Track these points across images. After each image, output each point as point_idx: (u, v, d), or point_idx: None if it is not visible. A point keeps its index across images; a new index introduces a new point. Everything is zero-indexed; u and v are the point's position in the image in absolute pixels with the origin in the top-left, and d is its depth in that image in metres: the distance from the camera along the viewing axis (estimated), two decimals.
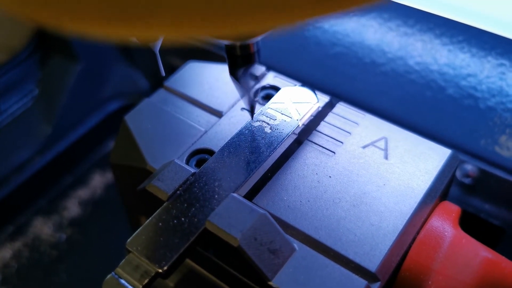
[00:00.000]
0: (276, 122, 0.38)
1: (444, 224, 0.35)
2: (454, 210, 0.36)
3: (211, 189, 0.34)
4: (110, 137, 0.66)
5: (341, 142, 0.38)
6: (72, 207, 0.61)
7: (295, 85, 0.42)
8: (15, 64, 0.56)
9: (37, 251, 0.57)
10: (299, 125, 0.38)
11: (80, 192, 0.62)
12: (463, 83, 0.46)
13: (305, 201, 0.35)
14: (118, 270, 0.32)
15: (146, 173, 0.38)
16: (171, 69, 0.45)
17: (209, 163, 0.36)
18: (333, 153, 0.38)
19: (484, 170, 0.43)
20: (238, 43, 0.32)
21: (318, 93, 0.40)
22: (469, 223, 0.44)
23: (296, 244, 0.33)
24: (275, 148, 0.36)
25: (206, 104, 0.42)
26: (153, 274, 0.31)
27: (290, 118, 0.38)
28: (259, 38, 0.32)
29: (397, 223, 0.34)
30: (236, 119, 0.40)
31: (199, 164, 0.38)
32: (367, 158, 0.37)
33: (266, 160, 0.36)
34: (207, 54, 0.54)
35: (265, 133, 0.37)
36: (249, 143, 0.37)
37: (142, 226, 0.33)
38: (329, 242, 0.33)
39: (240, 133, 0.37)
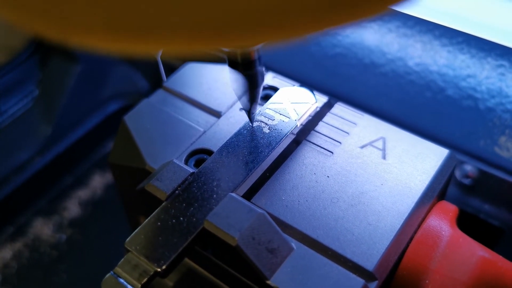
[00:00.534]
0: (274, 122, 0.38)
1: (441, 223, 0.35)
2: (451, 209, 0.36)
3: (210, 188, 0.35)
4: (110, 137, 0.66)
5: (339, 142, 0.38)
6: (72, 208, 0.61)
7: (294, 85, 0.42)
8: (16, 65, 0.57)
9: (37, 251, 0.57)
10: (297, 125, 0.38)
11: (80, 192, 0.62)
12: (463, 84, 0.46)
13: (303, 201, 0.35)
14: (117, 269, 0.32)
15: (145, 173, 0.38)
16: (171, 70, 0.45)
17: (208, 163, 0.36)
18: (331, 153, 0.38)
19: (483, 171, 0.43)
20: (239, 51, 0.33)
21: (316, 93, 0.40)
22: (469, 224, 0.44)
23: (294, 244, 0.33)
24: (273, 148, 0.36)
25: (205, 105, 0.42)
26: (151, 273, 0.32)
27: (289, 119, 0.38)
28: (259, 46, 0.32)
29: (395, 223, 0.34)
30: (235, 119, 0.40)
31: (198, 164, 0.38)
32: (365, 158, 0.37)
33: (264, 160, 0.36)
34: (206, 55, 0.54)
35: (264, 133, 0.37)
36: (248, 143, 0.37)
37: (141, 225, 0.33)
38: (327, 242, 0.33)
39: (238, 133, 0.38)
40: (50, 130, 0.60)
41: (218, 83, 0.43)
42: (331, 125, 0.39)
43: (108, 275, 0.32)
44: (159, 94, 0.43)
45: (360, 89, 0.48)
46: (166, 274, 0.32)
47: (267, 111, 0.39)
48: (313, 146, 0.38)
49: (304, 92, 0.40)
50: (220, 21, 0.16)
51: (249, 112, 0.37)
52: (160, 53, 0.36)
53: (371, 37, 0.51)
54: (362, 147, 0.38)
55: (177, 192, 0.35)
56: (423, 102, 0.47)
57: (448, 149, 0.38)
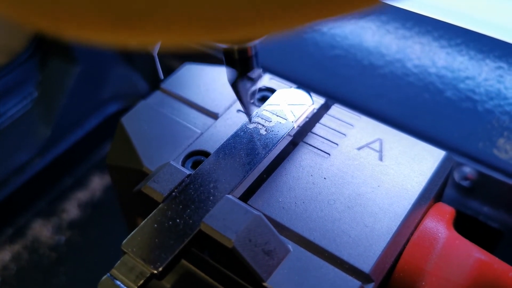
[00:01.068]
0: (271, 124, 0.38)
1: (438, 225, 0.35)
2: (448, 211, 0.36)
3: (206, 190, 0.35)
4: (109, 139, 0.66)
5: (336, 144, 0.38)
6: (72, 209, 0.61)
7: (291, 87, 0.42)
8: (15, 67, 0.57)
9: (36, 253, 0.57)
10: (294, 127, 0.38)
11: (80, 194, 0.62)
12: (461, 85, 0.46)
13: (300, 203, 0.35)
14: (114, 271, 0.32)
15: (142, 175, 0.38)
16: (168, 71, 0.45)
17: (205, 165, 0.36)
18: (328, 155, 0.38)
19: (482, 173, 0.43)
20: (235, 47, 0.32)
21: (313, 95, 0.40)
22: (468, 226, 0.44)
23: (291, 245, 0.33)
24: (270, 150, 0.36)
25: (202, 106, 0.42)
26: (148, 275, 0.32)
27: (285, 120, 0.38)
28: (257, 42, 0.32)
29: (391, 225, 0.34)
30: (232, 121, 0.40)
31: (195, 165, 0.38)
32: (361, 160, 0.37)
33: (261, 161, 0.36)
34: (204, 56, 0.54)
35: (260, 135, 0.37)
36: (245, 145, 0.37)
37: (138, 227, 0.34)
38: (323, 243, 0.33)
39: (235, 135, 0.38)
40: (49, 132, 0.60)
41: (215, 84, 0.43)
42: (328, 127, 0.39)
43: (104, 277, 0.32)
44: (156, 95, 0.43)
45: (359, 90, 0.48)
46: (162, 276, 0.32)
47: (264, 112, 0.39)
48: (310, 147, 0.38)
49: (301, 94, 0.40)
50: (218, 10, 0.16)
51: (247, 112, 0.36)
52: (157, 49, 0.36)
53: (369, 38, 0.51)
54: (359, 148, 0.38)
55: (173, 194, 0.35)
56: (422, 104, 0.46)
57: (447, 151, 0.38)
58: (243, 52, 0.33)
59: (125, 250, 0.33)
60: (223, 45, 0.33)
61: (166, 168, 0.36)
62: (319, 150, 0.38)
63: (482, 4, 0.57)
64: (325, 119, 0.40)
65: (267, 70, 0.45)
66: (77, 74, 0.60)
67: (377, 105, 0.47)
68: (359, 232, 0.34)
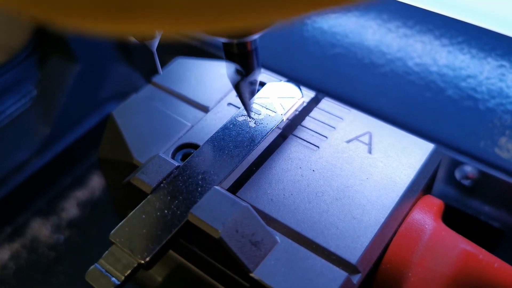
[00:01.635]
0: (260, 117, 0.38)
1: (425, 217, 0.35)
2: (436, 203, 0.36)
3: (195, 182, 0.35)
4: None
5: (326, 137, 0.38)
6: (70, 208, 0.61)
7: (281, 80, 0.42)
8: (14, 65, 0.57)
9: (35, 252, 0.57)
10: (283, 119, 0.38)
11: (79, 193, 0.62)
12: (463, 84, 0.46)
13: (288, 195, 0.35)
14: (101, 261, 0.32)
15: (133, 167, 0.38)
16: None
17: (193, 157, 0.36)
18: (317, 148, 0.38)
19: (483, 172, 0.42)
20: (235, 41, 0.32)
21: (304, 88, 0.41)
22: (469, 225, 0.43)
23: (279, 237, 0.33)
24: (259, 142, 0.37)
25: (193, 100, 0.42)
26: (135, 266, 0.32)
27: (275, 113, 0.38)
28: (256, 36, 0.32)
29: (379, 216, 0.34)
30: (222, 114, 0.40)
31: (184, 158, 0.38)
32: (350, 153, 0.37)
33: (249, 154, 0.36)
34: (195, 51, 0.54)
35: (250, 127, 0.38)
36: (234, 137, 0.37)
37: (126, 218, 0.34)
38: (311, 235, 0.33)
39: (224, 127, 0.38)
40: (48, 130, 0.60)
41: (206, 78, 0.43)
42: (318, 120, 0.39)
43: (92, 267, 0.32)
44: (148, 89, 0.43)
45: (360, 89, 0.48)
46: (149, 266, 0.32)
47: (254, 105, 0.39)
48: (300, 140, 0.38)
49: (291, 87, 0.40)
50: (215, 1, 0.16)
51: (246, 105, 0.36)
52: (155, 45, 0.36)
53: (370, 37, 0.51)
54: (348, 141, 0.38)
55: (162, 185, 0.35)
56: (423, 103, 0.46)
57: (448, 149, 0.38)
58: (243, 46, 0.33)
59: (112, 240, 0.33)
60: (223, 39, 0.33)
61: (155, 160, 0.36)
62: (308, 143, 0.38)
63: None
64: (314, 112, 0.40)
65: (267, 68, 0.45)
66: (76, 73, 0.60)
67: (378, 103, 0.47)
68: (347, 223, 0.34)
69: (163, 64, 0.41)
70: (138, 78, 0.66)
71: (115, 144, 0.40)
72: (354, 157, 0.37)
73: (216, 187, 0.34)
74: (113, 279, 0.31)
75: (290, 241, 0.33)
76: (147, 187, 0.35)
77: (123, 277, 0.31)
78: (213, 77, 0.43)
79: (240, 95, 0.35)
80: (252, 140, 0.37)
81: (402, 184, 0.36)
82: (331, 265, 0.32)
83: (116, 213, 0.46)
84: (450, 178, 0.44)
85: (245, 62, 0.33)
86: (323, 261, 0.32)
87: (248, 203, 0.34)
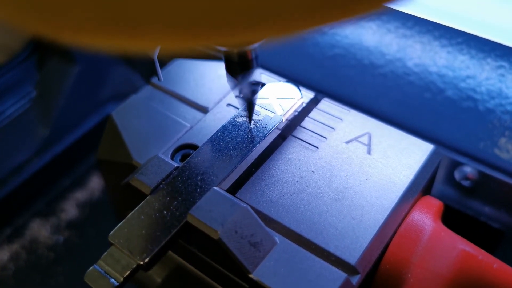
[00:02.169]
0: (259, 118, 0.38)
1: (425, 217, 0.35)
2: (435, 204, 0.36)
3: (194, 183, 0.35)
4: None
5: (325, 138, 0.38)
6: (70, 209, 0.61)
7: (280, 81, 0.42)
8: (13, 66, 0.57)
9: (35, 253, 0.57)
10: (282, 120, 0.38)
11: (78, 194, 0.62)
12: (462, 85, 0.46)
13: (288, 195, 0.35)
14: (100, 262, 0.32)
15: (132, 168, 0.38)
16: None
17: (193, 158, 0.36)
18: (316, 148, 0.38)
19: (483, 173, 0.42)
20: (235, 50, 0.33)
21: (303, 89, 0.41)
22: (469, 226, 0.43)
23: (278, 238, 0.33)
24: (258, 143, 0.37)
25: (192, 100, 0.42)
26: (134, 267, 0.32)
27: (274, 114, 0.38)
28: (256, 45, 0.32)
29: (378, 217, 0.34)
30: (222, 114, 0.40)
31: (183, 159, 0.38)
32: (350, 153, 0.37)
33: (248, 154, 0.36)
34: (194, 51, 0.54)
35: (249, 128, 0.37)
36: (233, 138, 0.37)
37: (125, 219, 0.34)
38: (310, 236, 0.33)
39: (224, 128, 0.38)
40: (47, 131, 0.60)
41: (205, 79, 0.43)
42: (317, 121, 0.39)
43: (91, 268, 0.32)
44: (147, 90, 0.43)
45: (359, 90, 0.48)
46: (148, 267, 0.32)
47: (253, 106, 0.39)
48: (299, 141, 0.38)
49: (290, 88, 0.40)
50: (217, 17, 0.16)
51: (250, 113, 0.37)
52: (156, 53, 0.36)
53: (370, 38, 0.51)
54: (348, 142, 0.38)
55: (161, 186, 0.35)
56: (422, 103, 0.46)
57: (447, 150, 0.38)
58: (243, 55, 0.33)
59: (112, 241, 0.33)
60: (223, 48, 0.33)
61: (154, 161, 0.36)
62: (307, 144, 0.38)
63: (483, 6, 0.57)
64: (314, 113, 0.40)
65: (267, 69, 0.45)
66: (75, 74, 0.60)
67: (378, 104, 0.47)
68: (346, 224, 0.34)
69: (162, 65, 0.41)
70: (138, 79, 0.66)
71: (114, 145, 0.40)
72: (353, 157, 0.37)
73: (215, 188, 0.34)
74: (112, 280, 0.31)
75: (289, 242, 0.33)
76: (146, 188, 0.35)
77: (122, 278, 0.31)
78: (212, 78, 0.43)
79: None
80: (251, 141, 0.37)
81: (402, 185, 0.36)
82: (330, 266, 0.32)
83: (115, 214, 0.46)
84: (450, 179, 0.44)
85: (246, 70, 0.33)
86: (322, 262, 0.32)
87: (247, 204, 0.34)
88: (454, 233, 0.35)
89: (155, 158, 0.36)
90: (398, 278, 0.33)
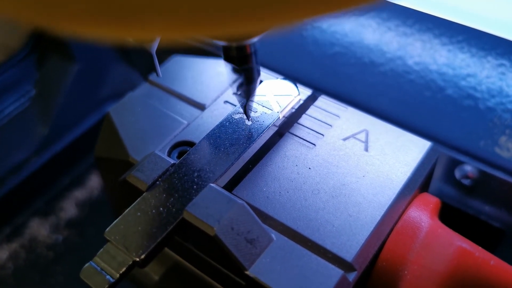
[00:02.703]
0: (256, 114, 0.38)
1: (421, 214, 0.35)
2: (432, 201, 0.36)
3: (190, 179, 0.35)
4: None
5: (322, 135, 0.38)
6: (69, 208, 0.61)
7: (277, 78, 0.42)
8: (12, 65, 0.57)
9: (34, 252, 0.57)
10: (279, 117, 0.38)
11: (77, 193, 0.62)
12: (463, 83, 0.46)
13: (284, 192, 0.35)
14: (96, 259, 0.32)
15: (129, 166, 0.38)
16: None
17: (189, 154, 0.36)
18: (313, 145, 0.38)
19: (483, 172, 0.42)
20: (234, 44, 0.32)
21: (301, 86, 0.40)
22: (469, 225, 0.43)
23: (274, 235, 0.33)
24: (255, 140, 0.36)
25: (189, 98, 0.42)
26: (130, 263, 0.32)
27: (271, 111, 0.38)
28: (255, 39, 0.32)
29: (375, 214, 0.34)
30: (219, 112, 0.40)
31: (180, 156, 0.38)
32: (347, 150, 0.37)
33: (245, 151, 0.36)
34: (192, 48, 0.54)
35: (246, 125, 0.37)
36: (230, 134, 0.37)
37: (121, 215, 0.34)
38: (307, 233, 0.33)
39: (220, 125, 0.38)
40: (47, 130, 0.60)
41: (203, 76, 0.43)
42: (314, 118, 0.39)
43: (87, 264, 0.32)
44: (144, 87, 0.43)
45: (360, 88, 0.48)
46: (144, 264, 0.32)
47: (250, 103, 0.39)
48: (296, 138, 0.38)
49: (287, 85, 0.40)
50: (215, 6, 0.16)
51: (245, 108, 0.36)
52: (155, 47, 0.36)
53: (370, 36, 0.51)
54: (345, 139, 0.38)
55: (157, 183, 0.35)
56: (423, 102, 0.46)
57: (448, 148, 0.38)
58: (242, 49, 0.33)
59: (108, 238, 0.33)
60: (222, 43, 0.32)
61: (150, 158, 0.36)
62: (304, 141, 0.38)
63: (485, 1, 0.57)
64: (311, 110, 0.40)
65: (267, 67, 0.45)
66: (75, 73, 0.60)
67: (378, 103, 0.47)
68: (343, 221, 0.34)
69: (160, 62, 0.41)
70: (137, 77, 0.66)
71: (111, 142, 0.40)
72: (350, 154, 0.37)
73: (212, 184, 0.34)
74: (108, 276, 0.31)
75: (285, 238, 0.33)
76: (143, 185, 0.35)
77: (118, 275, 0.31)
78: (209, 75, 0.43)
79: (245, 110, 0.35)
80: (248, 138, 0.37)
81: (399, 182, 0.35)
82: (326, 262, 0.32)
83: (113, 211, 0.46)
84: (450, 178, 0.44)
85: (244, 65, 0.33)
86: (319, 258, 0.32)
87: (244, 200, 0.34)
88: (451, 230, 0.35)
89: (151, 155, 0.36)
90: (395, 275, 0.33)
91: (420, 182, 0.36)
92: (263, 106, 0.38)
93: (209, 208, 0.32)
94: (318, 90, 0.43)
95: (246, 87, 0.34)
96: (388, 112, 0.46)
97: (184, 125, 0.40)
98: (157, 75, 0.39)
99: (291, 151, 0.37)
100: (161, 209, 0.33)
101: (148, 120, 0.40)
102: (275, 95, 0.39)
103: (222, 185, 0.35)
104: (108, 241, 0.33)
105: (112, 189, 0.43)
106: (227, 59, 0.33)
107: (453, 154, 0.43)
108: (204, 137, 0.37)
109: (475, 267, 0.33)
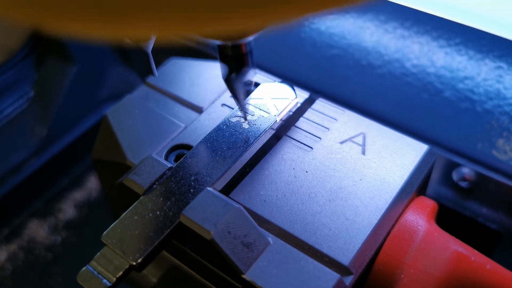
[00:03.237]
0: (254, 118, 0.38)
1: (418, 218, 0.35)
2: (429, 204, 0.36)
3: (187, 183, 0.35)
4: None
5: (319, 138, 0.38)
6: (68, 209, 0.61)
7: (275, 81, 0.42)
8: (11, 66, 0.57)
9: (32, 253, 0.57)
10: (276, 120, 0.38)
11: (76, 194, 0.62)
12: (460, 85, 0.46)
13: (281, 196, 0.35)
14: (93, 262, 0.32)
15: (126, 168, 0.38)
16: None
17: (186, 158, 0.36)
18: (310, 149, 0.38)
19: (481, 174, 0.42)
20: (229, 43, 0.32)
21: (298, 89, 0.40)
22: (466, 227, 0.43)
23: (271, 238, 0.33)
24: (252, 143, 0.36)
25: (187, 100, 0.42)
26: (127, 267, 0.32)
27: (268, 114, 0.38)
28: (251, 38, 0.32)
29: (372, 218, 0.34)
30: (216, 114, 0.40)
31: (178, 159, 0.38)
32: (344, 154, 0.37)
33: (242, 155, 0.36)
34: (190, 51, 0.54)
35: (243, 128, 0.37)
36: (227, 138, 0.37)
37: (118, 219, 0.34)
38: (303, 236, 0.33)
39: (218, 128, 0.38)
40: (45, 131, 0.60)
41: (200, 79, 0.43)
42: (312, 121, 0.39)
43: (83, 268, 0.32)
44: (142, 89, 0.43)
45: (357, 90, 0.48)
46: (141, 267, 0.32)
47: (247, 106, 0.39)
48: (293, 141, 0.38)
49: (285, 88, 0.40)
50: (208, 4, 0.16)
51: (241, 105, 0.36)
52: (150, 47, 0.36)
53: (368, 38, 0.51)
54: (342, 142, 0.38)
55: (154, 186, 0.35)
56: (420, 104, 0.46)
57: (445, 151, 0.38)
58: (237, 48, 0.33)
59: (104, 242, 0.33)
60: (217, 42, 0.32)
61: (147, 161, 0.36)
62: (301, 144, 0.38)
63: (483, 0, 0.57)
64: (308, 113, 0.40)
65: (265, 69, 0.45)
66: (73, 74, 0.60)
67: (376, 105, 0.47)
68: (340, 225, 0.33)
69: (157, 65, 0.41)
70: (135, 78, 0.66)
71: (109, 145, 0.40)
72: (347, 158, 0.37)
73: (209, 188, 0.34)
74: (105, 280, 0.31)
75: (282, 242, 0.33)
76: (140, 188, 0.35)
77: (114, 279, 0.31)
78: (207, 78, 0.43)
79: (234, 93, 0.35)
80: (245, 141, 0.37)
81: (396, 185, 0.35)
82: (323, 266, 0.32)
83: (110, 213, 0.46)
84: (448, 180, 0.44)
85: (240, 64, 0.33)
86: (316, 262, 0.32)
87: (240, 204, 0.34)
88: (448, 233, 0.35)
89: (148, 158, 0.36)
90: (391, 279, 0.33)
91: (417, 185, 0.36)
92: (260, 109, 0.38)
93: (206, 212, 0.32)
94: (315, 92, 0.43)
95: (237, 75, 0.34)
96: (385, 114, 0.46)
97: (182, 128, 0.40)
98: (153, 74, 0.39)
99: (288, 154, 0.37)
100: (158, 212, 0.33)
101: (146, 123, 0.40)
102: (272, 98, 0.39)
103: (219, 188, 0.35)
104: (105, 244, 0.33)
105: (110, 192, 0.43)
106: (223, 58, 0.33)
107: (450, 157, 0.43)
108: (201, 141, 0.37)
109: (471, 271, 0.33)
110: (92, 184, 0.63)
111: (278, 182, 0.36)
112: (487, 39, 0.49)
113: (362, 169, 0.36)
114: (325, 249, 0.32)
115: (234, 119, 0.38)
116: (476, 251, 0.34)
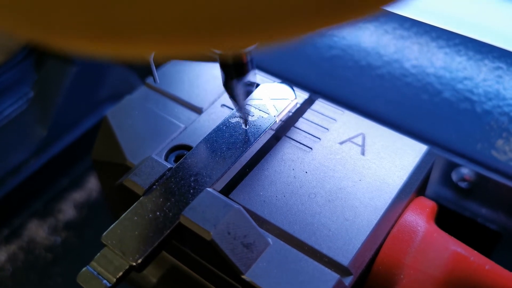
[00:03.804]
0: (253, 118, 0.38)
1: (418, 219, 0.35)
2: (428, 205, 0.36)
3: (187, 184, 0.35)
4: None
5: (319, 138, 0.38)
6: (68, 210, 0.61)
7: (274, 81, 0.42)
8: (11, 66, 0.57)
9: (32, 254, 0.57)
10: (276, 121, 0.38)
11: (76, 194, 0.62)
12: (460, 86, 0.46)
13: (281, 196, 0.35)
14: (93, 263, 0.32)
15: (126, 169, 0.38)
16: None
17: (186, 159, 0.36)
18: (310, 149, 0.38)
19: (480, 174, 0.42)
20: (230, 53, 0.32)
21: (298, 90, 0.40)
22: (466, 228, 0.43)
23: (271, 239, 0.33)
24: (251, 144, 0.37)
25: (187, 101, 0.42)
26: (126, 268, 0.32)
27: (268, 115, 0.38)
28: (251, 48, 0.32)
29: (371, 218, 0.34)
30: (216, 115, 0.40)
31: (178, 160, 0.38)
32: (343, 154, 0.37)
33: (242, 155, 0.36)
34: (196, 56, 0.54)
35: (243, 129, 0.37)
36: (226, 138, 0.37)
37: (118, 220, 0.34)
38: (303, 237, 0.33)
39: (217, 129, 0.38)
40: (45, 132, 0.60)
41: (200, 80, 0.43)
42: (311, 121, 0.39)
43: (84, 269, 0.32)
44: (142, 90, 0.43)
45: (357, 91, 0.48)
46: (141, 268, 0.32)
47: (247, 107, 0.39)
48: (293, 142, 0.38)
49: (284, 89, 0.40)
50: (212, 22, 0.16)
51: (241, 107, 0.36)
52: (152, 55, 0.36)
53: (367, 39, 0.51)
54: (341, 143, 0.38)
55: (154, 187, 0.35)
56: (420, 105, 0.46)
57: (445, 151, 0.38)
58: (238, 58, 0.33)
59: (104, 242, 0.33)
60: (217, 51, 0.32)
61: (147, 162, 0.36)
62: (301, 145, 0.38)
63: (480, 9, 0.57)
64: (308, 114, 0.40)
65: (264, 70, 0.45)
66: (73, 74, 0.60)
67: (375, 105, 0.47)
68: (339, 225, 0.34)
69: (157, 66, 0.41)
70: (135, 79, 0.66)
71: (108, 146, 0.40)
72: (347, 158, 0.37)
73: (208, 189, 0.34)
74: (105, 281, 0.31)
75: (282, 243, 0.33)
76: (140, 189, 0.35)
77: (114, 280, 0.31)
78: (207, 79, 0.43)
79: (234, 99, 0.35)
80: (245, 142, 0.37)
81: (395, 185, 0.35)
82: (323, 267, 0.32)
83: (110, 213, 0.46)
84: (447, 180, 0.44)
85: (240, 72, 0.33)
86: (315, 263, 0.32)
87: (240, 205, 0.34)
88: (447, 234, 0.35)
89: (148, 159, 0.36)
90: (391, 279, 0.33)
91: (417, 186, 0.36)
92: (260, 110, 0.38)
93: (206, 213, 0.32)
94: (315, 92, 0.43)
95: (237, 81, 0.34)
96: (385, 114, 0.46)
97: (181, 129, 0.40)
98: (155, 81, 0.39)
99: (287, 155, 0.37)
100: (158, 213, 0.33)
101: (146, 124, 0.40)
102: (272, 98, 0.39)
103: (219, 189, 0.35)
104: (105, 245, 0.33)
105: (110, 192, 0.43)
106: (223, 67, 0.33)
107: (450, 157, 0.43)
108: (201, 141, 0.37)
109: (470, 272, 0.33)
110: (92, 184, 0.63)
111: (277, 182, 0.36)
112: None
113: (362, 170, 0.36)
114: (324, 250, 0.32)
115: (233, 120, 0.38)
116: (476, 251, 0.34)
